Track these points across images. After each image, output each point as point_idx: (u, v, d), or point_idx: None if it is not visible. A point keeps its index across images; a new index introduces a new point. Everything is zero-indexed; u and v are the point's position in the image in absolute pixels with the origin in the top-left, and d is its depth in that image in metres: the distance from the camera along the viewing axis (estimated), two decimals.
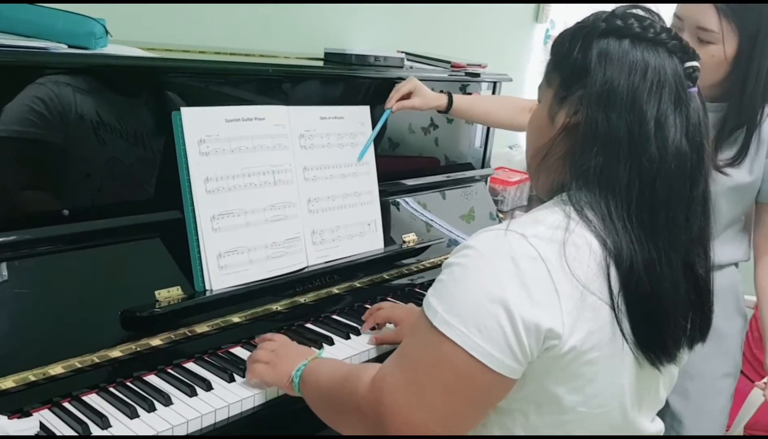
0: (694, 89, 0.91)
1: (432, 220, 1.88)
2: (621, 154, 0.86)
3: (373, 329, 1.45)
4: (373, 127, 1.65)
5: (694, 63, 0.91)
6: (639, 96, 0.86)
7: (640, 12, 0.93)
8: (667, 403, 1.49)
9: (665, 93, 0.87)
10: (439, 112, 1.71)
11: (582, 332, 0.82)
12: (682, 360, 0.95)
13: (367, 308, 1.54)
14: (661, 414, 1.04)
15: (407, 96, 1.64)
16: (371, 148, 1.65)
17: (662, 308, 0.86)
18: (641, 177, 0.86)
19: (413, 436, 0.83)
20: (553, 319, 0.81)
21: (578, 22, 0.96)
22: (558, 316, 0.81)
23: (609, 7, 0.94)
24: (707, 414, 1.51)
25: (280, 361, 1.15)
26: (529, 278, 0.81)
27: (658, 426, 1.01)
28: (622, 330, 0.85)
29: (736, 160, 1.40)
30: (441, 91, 1.71)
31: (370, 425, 0.88)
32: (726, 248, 1.48)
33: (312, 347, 1.31)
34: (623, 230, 0.84)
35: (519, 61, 3.01)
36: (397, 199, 1.81)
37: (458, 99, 1.71)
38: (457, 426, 0.86)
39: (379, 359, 1.39)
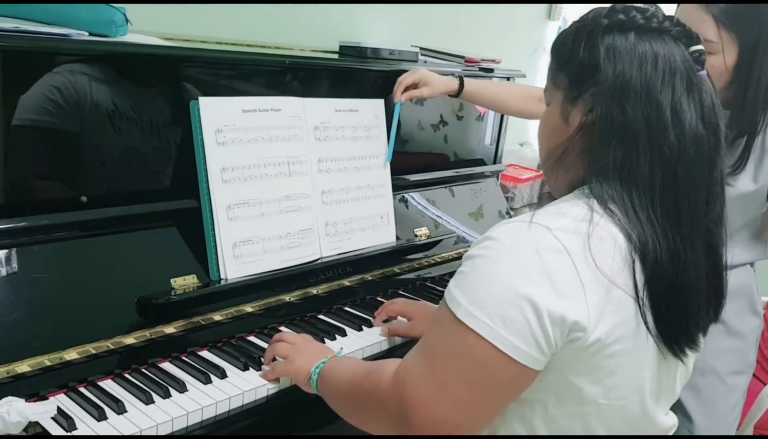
0: (703, 72, 0.92)
1: (441, 215, 1.89)
2: (640, 146, 0.86)
3: (385, 321, 1.45)
4: (387, 122, 1.64)
5: (699, 46, 0.92)
6: (653, 86, 0.87)
7: (639, 4, 0.93)
8: (678, 399, 1.49)
9: (677, 80, 0.88)
10: (450, 96, 1.72)
11: (607, 325, 0.82)
12: (701, 347, 0.95)
13: (379, 301, 1.55)
14: (672, 410, 1.04)
15: (414, 86, 1.64)
16: (385, 141, 1.65)
17: (687, 296, 0.87)
18: (662, 166, 0.86)
19: (436, 429, 0.83)
20: (578, 311, 0.81)
21: (576, 22, 0.96)
22: (584, 308, 0.81)
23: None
24: (718, 412, 1.50)
25: (299, 357, 1.15)
26: (555, 270, 0.81)
27: (672, 420, 1.01)
28: (646, 323, 0.85)
29: (736, 170, 1.39)
30: (452, 75, 1.72)
31: (394, 419, 0.88)
32: (738, 249, 1.47)
33: (329, 345, 1.31)
34: (647, 221, 0.85)
35: (532, 59, 3.01)
36: (405, 195, 1.81)
37: (469, 83, 1.73)
38: (481, 418, 0.86)
39: (392, 350, 1.40)
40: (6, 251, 1.11)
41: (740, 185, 1.40)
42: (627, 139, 0.87)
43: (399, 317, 1.45)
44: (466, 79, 1.72)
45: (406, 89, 1.63)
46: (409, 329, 1.39)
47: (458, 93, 1.72)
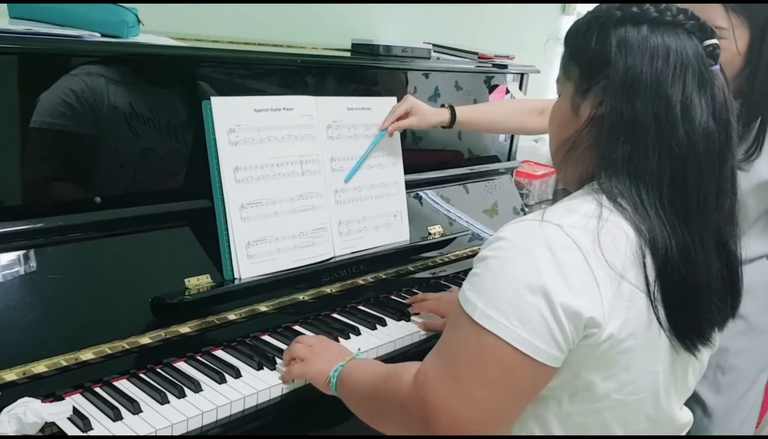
0: (717, 67, 0.90)
1: (455, 213, 1.88)
2: (649, 142, 0.85)
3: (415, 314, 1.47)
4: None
5: (714, 40, 0.90)
6: (663, 81, 0.86)
7: None
8: (697, 396, 1.48)
9: (689, 75, 0.87)
10: (443, 127, 1.63)
11: (619, 321, 0.82)
12: (715, 343, 0.94)
13: (393, 300, 1.55)
14: (692, 407, 1.03)
15: (404, 116, 1.58)
16: (398, 139, 1.64)
17: (697, 293, 0.86)
18: (671, 162, 0.85)
19: (459, 432, 0.83)
20: (593, 307, 0.80)
21: (590, 12, 0.95)
22: (599, 305, 0.81)
23: None
24: (738, 409, 1.49)
25: (318, 359, 1.14)
26: (568, 267, 0.80)
27: (687, 416, 1.01)
28: (658, 318, 0.85)
29: (750, 156, 1.37)
30: (442, 106, 1.64)
31: (416, 423, 0.88)
32: (757, 241, 1.45)
33: (344, 344, 1.31)
34: (656, 217, 0.84)
35: (546, 54, 2.98)
36: (420, 192, 1.80)
37: (461, 111, 1.63)
38: (503, 419, 0.85)
39: (408, 349, 1.39)
40: (22, 252, 1.12)
41: (759, 172, 1.38)
42: (635, 135, 0.86)
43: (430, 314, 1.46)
44: (458, 108, 1.63)
45: (398, 118, 1.57)
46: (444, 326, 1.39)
47: (451, 124, 1.62)
